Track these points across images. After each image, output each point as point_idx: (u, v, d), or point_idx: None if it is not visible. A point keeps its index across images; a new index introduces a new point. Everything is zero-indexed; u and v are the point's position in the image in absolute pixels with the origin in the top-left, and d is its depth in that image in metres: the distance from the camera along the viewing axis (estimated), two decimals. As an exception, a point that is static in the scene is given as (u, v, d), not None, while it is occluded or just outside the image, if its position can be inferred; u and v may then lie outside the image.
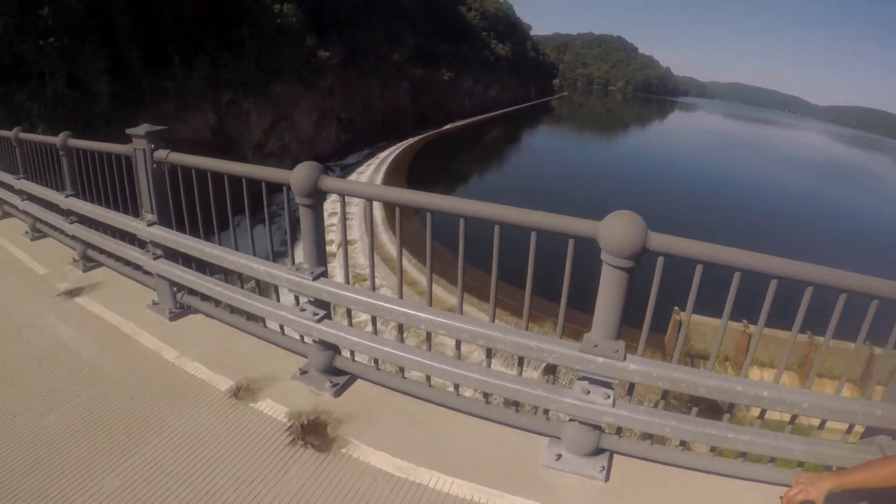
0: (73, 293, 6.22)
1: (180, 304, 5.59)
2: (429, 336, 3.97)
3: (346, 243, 5.20)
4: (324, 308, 4.27)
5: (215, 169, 4.64)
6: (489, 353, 3.88)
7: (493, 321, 3.71)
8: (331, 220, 32.71)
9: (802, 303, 3.04)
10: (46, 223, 7.88)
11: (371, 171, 66.37)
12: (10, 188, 8.64)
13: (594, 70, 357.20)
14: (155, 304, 5.72)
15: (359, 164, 70.99)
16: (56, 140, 6.91)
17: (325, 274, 4.25)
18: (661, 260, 3.08)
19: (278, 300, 4.91)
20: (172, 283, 5.47)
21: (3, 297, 6.19)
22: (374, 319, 4.26)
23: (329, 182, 3.89)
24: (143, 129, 5.10)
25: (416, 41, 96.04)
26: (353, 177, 61.48)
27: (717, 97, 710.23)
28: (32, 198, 8.04)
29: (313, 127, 68.03)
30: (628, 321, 3.21)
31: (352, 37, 75.80)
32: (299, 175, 3.86)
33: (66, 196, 6.76)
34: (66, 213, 6.92)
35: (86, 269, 6.80)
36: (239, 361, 4.76)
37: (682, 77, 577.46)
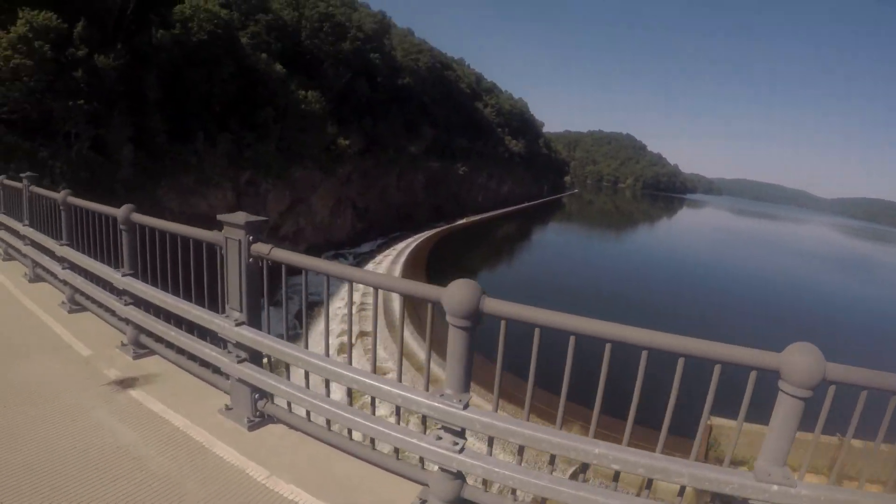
0: (124, 384, 5.61)
1: (260, 412, 5.01)
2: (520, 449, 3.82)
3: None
4: (462, 437, 3.85)
5: (335, 274, 4.27)
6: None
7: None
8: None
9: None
10: (88, 297, 7.39)
11: (389, 262, 66.43)
12: (51, 254, 8.25)
13: (604, 167, 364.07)
14: (228, 408, 5.16)
15: (373, 252, 71.31)
16: (118, 212, 6.37)
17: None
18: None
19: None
20: (255, 390, 4.93)
21: (43, 378, 5.59)
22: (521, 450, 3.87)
23: (492, 304, 3.47)
24: (242, 217, 4.63)
25: (433, 134, 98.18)
26: (370, 266, 61.78)
27: (724, 193, 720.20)
28: (75, 267, 7.57)
29: (329, 213, 68.58)
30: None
31: (372, 127, 77.59)
32: (459, 295, 3.45)
33: (124, 275, 6.31)
34: (120, 293, 6.47)
35: (136, 357, 6.33)
36: (342, 487, 4.17)
37: (690, 174, 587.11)
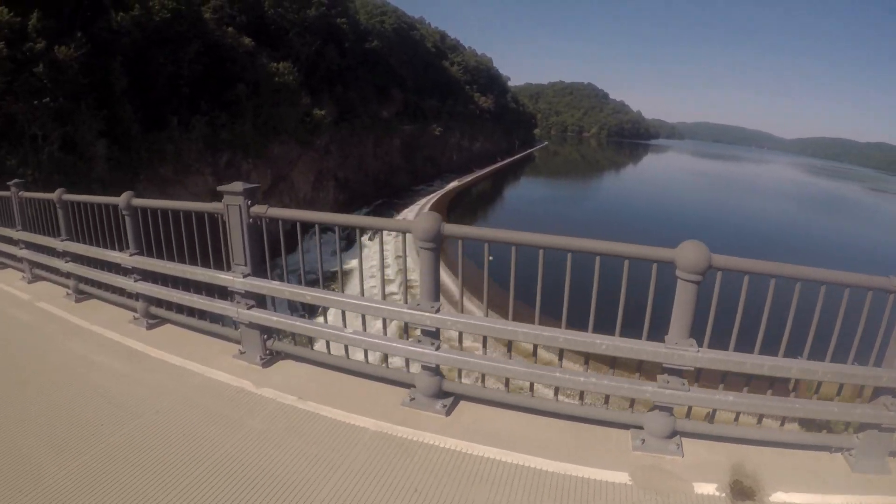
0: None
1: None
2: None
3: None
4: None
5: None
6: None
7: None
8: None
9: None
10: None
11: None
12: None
13: (567, 118, 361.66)
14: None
15: None
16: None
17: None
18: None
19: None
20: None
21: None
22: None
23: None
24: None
25: (404, 97, 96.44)
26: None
27: (686, 137, 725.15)
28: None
29: (311, 188, 67.19)
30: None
31: (343, 95, 75.75)
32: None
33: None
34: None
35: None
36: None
37: (653, 119, 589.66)
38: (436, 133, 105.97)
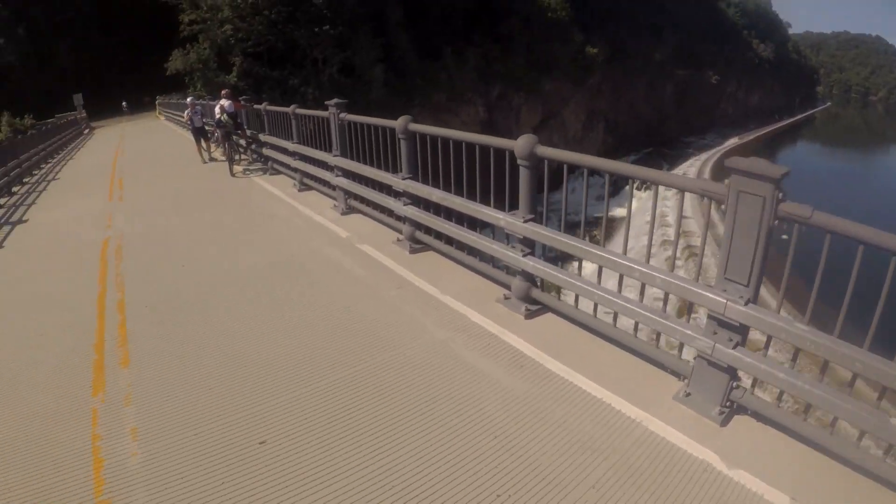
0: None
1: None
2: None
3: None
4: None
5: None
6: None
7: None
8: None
9: None
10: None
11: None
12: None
13: (852, 76, 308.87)
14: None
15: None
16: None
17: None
18: None
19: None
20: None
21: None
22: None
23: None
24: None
25: (676, 39, 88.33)
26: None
27: None
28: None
29: (581, 127, 65.48)
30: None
31: (615, 33, 71.20)
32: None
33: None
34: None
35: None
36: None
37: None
38: (712, 81, 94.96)
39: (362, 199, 8.58)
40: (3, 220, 12.03)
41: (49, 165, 22.19)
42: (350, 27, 39.14)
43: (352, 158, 8.63)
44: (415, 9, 45.24)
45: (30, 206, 13.55)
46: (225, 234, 9.08)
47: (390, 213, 7.74)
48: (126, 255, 8.14)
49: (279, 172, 13.09)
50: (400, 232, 7.45)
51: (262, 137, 13.65)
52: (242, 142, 15.26)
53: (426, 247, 7.17)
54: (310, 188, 11.15)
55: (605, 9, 69.91)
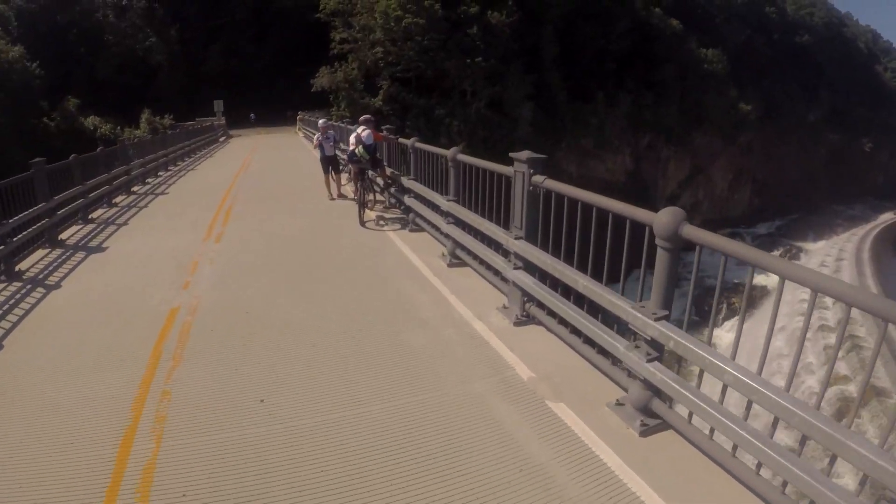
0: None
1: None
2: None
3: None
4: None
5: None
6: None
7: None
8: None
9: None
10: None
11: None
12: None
13: None
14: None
15: (773, 236, 59.86)
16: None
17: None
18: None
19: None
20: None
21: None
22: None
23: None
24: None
25: (831, 101, 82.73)
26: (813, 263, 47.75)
27: None
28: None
29: (728, 186, 62.63)
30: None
31: (769, 90, 67.85)
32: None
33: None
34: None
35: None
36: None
37: None
38: (865, 149, 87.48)
39: (549, 310, 5.50)
40: (84, 241, 10.76)
41: (168, 173, 21.72)
42: (503, 61, 38.73)
43: (544, 243, 5.62)
44: (568, 48, 44.03)
45: (121, 225, 12.28)
46: (340, 339, 5.98)
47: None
48: (188, 354, 5.64)
49: (421, 229, 10.30)
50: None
51: (406, 182, 10.74)
52: (380, 180, 12.65)
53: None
54: (464, 263, 8.09)
55: (760, 65, 66.90)
